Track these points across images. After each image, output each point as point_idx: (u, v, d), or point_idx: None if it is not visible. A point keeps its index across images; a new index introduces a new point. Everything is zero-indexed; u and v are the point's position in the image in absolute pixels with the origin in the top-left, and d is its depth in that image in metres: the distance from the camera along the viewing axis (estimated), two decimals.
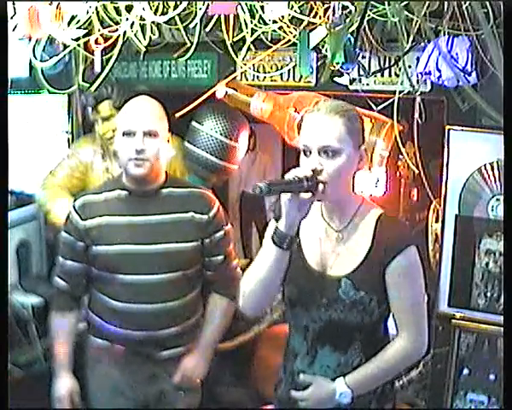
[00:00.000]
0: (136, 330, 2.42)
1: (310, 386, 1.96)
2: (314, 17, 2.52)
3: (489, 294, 2.54)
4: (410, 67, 2.55)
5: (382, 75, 2.71)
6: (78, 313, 2.52)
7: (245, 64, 3.00)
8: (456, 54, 2.32)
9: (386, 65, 2.66)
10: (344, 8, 2.39)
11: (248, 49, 2.87)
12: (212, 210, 2.47)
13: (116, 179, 2.52)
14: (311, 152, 1.84)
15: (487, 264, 2.53)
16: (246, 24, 2.74)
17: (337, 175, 1.83)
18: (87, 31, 2.89)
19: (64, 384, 2.45)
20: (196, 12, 2.71)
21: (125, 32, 2.82)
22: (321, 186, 1.80)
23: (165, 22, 2.72)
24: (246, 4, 2.63)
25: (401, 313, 1.94)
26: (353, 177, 1.94)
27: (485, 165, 2.50)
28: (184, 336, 2.50)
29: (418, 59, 2.45)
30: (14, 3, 2.63)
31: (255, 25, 2.71)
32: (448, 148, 2.57)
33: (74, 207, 2.45)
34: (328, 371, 1.97)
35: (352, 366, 1.95)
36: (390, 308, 1.94)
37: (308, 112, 1.91)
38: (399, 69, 2.62)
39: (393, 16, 2.34)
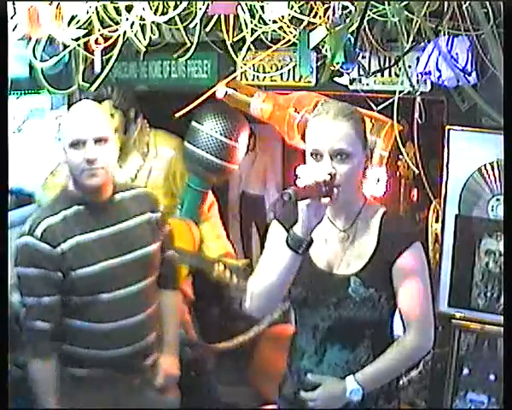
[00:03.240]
0: (125, 346, 2.35)
1: (319, 386, 1.98)
2: (314, 17, 2.52)
3: (489, 294, 2.54)
4: (410, 67, 2.55)
5: (382, 75, 2.71)
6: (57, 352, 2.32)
7: (245, 64, 3.00)
8: (456, 54, 2.32)
9: (386, 65, 2.66)
10: (344, 8, 2.39)
11: (248, 49, 2.86)
12: (160, 205, 2.48)
13: (67, 194, 2.34)
14: (321, 156, 1.86)
15: (487, 264, 2.53)
16: (246, 24, 2.74)
17: (350, 178, 1.87)
18: (87, 31, 2.89)
19: None
20: (196, 12, 2.71)
21: (125, 32, 2.82)
22: (335, 190, 1.82)
23: (165, 22, 2.73)
24: (246, 4, 2.63)
25: (408, 308, 1.96)
26: (363, 177, 1.96)
27: (485, 165, 2.49)
28: (159, 339, 2.49)
29: (418, 59, 2.45)
30: (14, 3, 2.63)
31: (255, 25, 2.71)
32: (448, 148, 2.56)
33: (36, 237, 2.23)
34: (336, 369, 1.98)
35: (360, 362, 1.97)
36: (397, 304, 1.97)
37: (315, 115, 1.92)
38: (399, 69, 2.61)
39: (393, 16, 2.34)
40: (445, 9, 2.29)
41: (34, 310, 2.27)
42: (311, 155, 1.88)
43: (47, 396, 2.28)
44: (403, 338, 1.99)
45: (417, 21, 2.32)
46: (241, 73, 3.07)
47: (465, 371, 2.62)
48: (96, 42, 2.98)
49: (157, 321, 2.47)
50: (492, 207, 2.50)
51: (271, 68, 3.01)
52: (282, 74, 2.99)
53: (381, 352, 1.97)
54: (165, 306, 2.53)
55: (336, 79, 2.66)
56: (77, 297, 2.29)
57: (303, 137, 1.96)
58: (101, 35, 2.92)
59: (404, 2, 2.29)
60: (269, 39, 2.79)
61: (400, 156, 2.90)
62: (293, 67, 2.93)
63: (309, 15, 2.53)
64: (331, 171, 1.83)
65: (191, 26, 2.80)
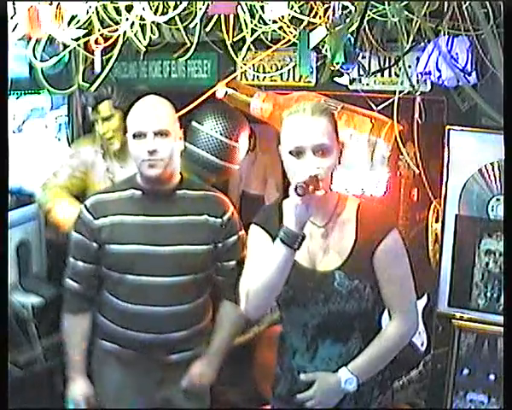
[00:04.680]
0: (146, 332, 2.39)
1: (314, 383, 1.98)
2: (314, 17, 2.52)
3: (489, 294, 2.54)
4: (410, 67, 2.55)
5: (382, 75, 2.71)
6: (90, 314, 2.51)
7: (245, 64, 3.00)
8: (456, 54, 2.32)
9: (386, 65, 2.66)
10: (344, 8, 2.39)
11: (248, 49, 2.87)
12: (226, 214, 2.45)
13: (130, 179, 2.49)
14: (302, 153, 1.90)
15: (487, 264, 2.53)
16: (246, 24, 2.74)
17: (330, 171, 1.94)
18: (87, 31, 2.88)
19: (79, 388, 2.45)
20: (196, 12, 2.71)
21: (125, 32, 2.81)
22: (320, 184, 1.85)
23: (165, 22, 2.72)
24: (246, 4, 2.63)
25: (392, 293, 2.00)
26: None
27: (485, 165, 2.50)
28: (192, 340, 2.47)
29: (418, 59, 2.45)
30: (14, 3, 2.63)
31: (255, 25, 2.72)
32: (448, 148, 2.56)
33: (86, 206, 2.44)
34: (330, 364, 2.01)
35: (352, 355, 2.01)
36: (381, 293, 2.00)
37: (290, 114, 1.96)
38: (399, 69, 2.62)
39: (393, 16, 2.34)
40: (445, 9, 2.29)
41: (70, 270, 2.47)
42: (292, 152, 1.92)
43: (73, 350, 2.47)
44: (389, 325, 2.03)
45: (417, 21, 2.32)
46: (241, 73, 3.07)
47: (465, 371, 2.62)
48: (96, 42, 2.97)
49: (189, 322, 2.45)
50: (492, 207, 2.50)
51: (271, 68, 3.01)
52: (282, 74, 3.00)
53: (370, 341, 2.01)
54: (220, 316, 2.52)
55: (336, 79, 2.66)
56: (107, 270, 2.41)
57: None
58: (101, 35, 2.92)
59: (404, 2, 2.29)
60: (269, 39, 2.80)
61: (400, 156, 2.90)
62: (293, 67, 2.93)
63: (309, 15, 2.54)
64: (318, 165, 1.87)
65: (191, 26, 2.80)
